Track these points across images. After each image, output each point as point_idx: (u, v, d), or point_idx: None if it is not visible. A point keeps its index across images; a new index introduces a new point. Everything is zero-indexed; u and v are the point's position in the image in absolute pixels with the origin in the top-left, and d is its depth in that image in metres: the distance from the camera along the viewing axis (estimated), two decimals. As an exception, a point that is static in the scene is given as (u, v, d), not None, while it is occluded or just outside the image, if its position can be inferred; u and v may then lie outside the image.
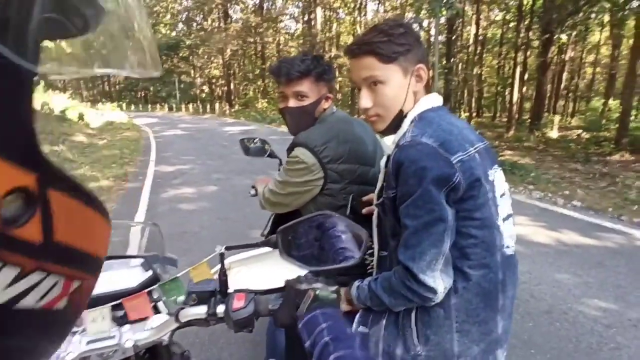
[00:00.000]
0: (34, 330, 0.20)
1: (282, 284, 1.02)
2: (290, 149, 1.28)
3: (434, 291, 0.84)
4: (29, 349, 0.21)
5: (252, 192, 1.64)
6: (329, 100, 1.34)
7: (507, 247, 0.92)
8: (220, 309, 0.81)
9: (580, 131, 13.81)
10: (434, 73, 10.05)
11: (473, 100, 24.16)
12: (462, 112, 18.22)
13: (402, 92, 0.93)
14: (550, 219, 4.54)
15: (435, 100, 0.97)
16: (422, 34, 24.30)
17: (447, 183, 0.82)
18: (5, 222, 0.18)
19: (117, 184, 6.23)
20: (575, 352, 2.16)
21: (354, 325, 1.03)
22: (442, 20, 14.73)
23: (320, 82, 1.29)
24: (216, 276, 0.86)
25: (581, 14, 13.31)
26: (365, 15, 24.80)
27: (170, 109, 33.58)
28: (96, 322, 0.83)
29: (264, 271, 1.37)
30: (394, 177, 0.88)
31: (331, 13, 27.74)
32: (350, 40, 25.69)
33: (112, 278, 1.00)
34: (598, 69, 25.84)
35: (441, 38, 16.67)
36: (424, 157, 0.83)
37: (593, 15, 14.57)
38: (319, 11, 22.96)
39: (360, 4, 24.18)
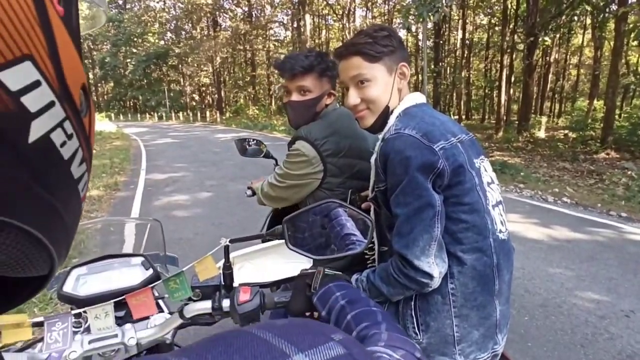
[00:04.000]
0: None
1: (286, 277, 1.03)
2: (291, 143, 1.30)
3: (429, 276, 0.86)
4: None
5: (249, 192, 1.64)
6: (331, 96, 1.36)
7: (500, 231, 0.95)
8: (226, 303, 0.81)
9: (566, 131, 14.06)
10: (423, 77, 10.17)
11: (462, 102, 24.44)
12: (451, 115, 18.41)
13: (388, 89, 0.99)
14: (541, 215, 4.61)
15: (418, 97, 1.03)
16: (410, 39, 24.59)
17: (432, 170, 0.86)
18: (80, 111, 0.23)
19: (108, 193, 6.16)
20: (570, 343, 2.19)
21: None
22: (430, 25, 14.94)
23: (323, 78, 1.31)
24: (220, 270, 0.86)
25: (564, 17, 13.62)
26: (353, 21, 25.04)
27: (160, 118, 33.36)
28: (99, 319, 0.83)
29: (268, 265, 1.37)
30: (382, 169, 0.92)
31: (320, 20, 27.95)
32: (339, 45, 25.91)
33: (113, 276, 1.00)
34: (582, 70, 26.38)
35: (429, 43, 16.90)
36: (408, 146, 0.87)
37: (575, 18, 14.92)
38: (308, 18, 23.12)
39: (349, 10, 24.42)
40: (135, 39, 35.16)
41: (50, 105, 0.20)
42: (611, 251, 3.49)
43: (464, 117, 23.60)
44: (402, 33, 25.83)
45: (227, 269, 0.87)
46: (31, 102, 0.19)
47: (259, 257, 1.41)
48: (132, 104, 42.44)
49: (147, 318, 0.91)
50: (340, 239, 0.86)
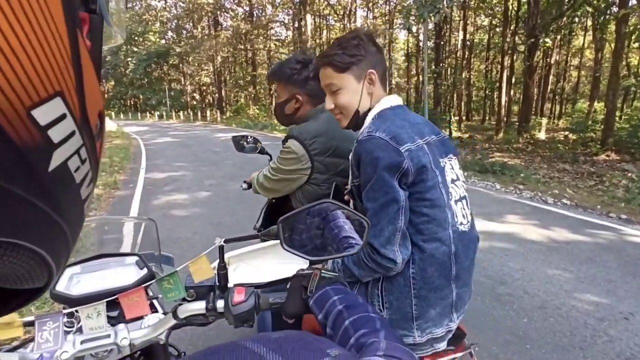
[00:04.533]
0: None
1: (281, 277, 1.02)
2: (284, 140, 1.42)
3: (394, 262, 0.97)
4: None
5: (244, 186, 1.75)
6: (299, 100, 1.46)
7: (461, 224, 1.05)
8: (220, 303, 0.80)
9: (567, 133, 14.05)
10: (424, 77, 10.16)
11: (462, 103, 24.43)
12: (452, 116, 18.39)
13: (357, 95, 1.09)
14: (541, 217, 4.60)
15: (394, 100, 1.12)
16: (411, 39, 24.60)
17: (398, 169, 0.96)
18: (94, 136, 0.24)
19: (107, 192, 6.15)
20: (569, 345, 2.18)
21: None
22: (430, 26, 14.93)
23: (288, 84, 1.44)
24: (215, 271, 0.85)
25: (564, 19, 13.61)
26: (354, 21, 25.02)
27: (161, 117, 33.35)
28: (91, 319, 0.82)
29: (263, 265, 1.36)
30: (356, 167, 1.03)
31: (321, 20, 27.93)
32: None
33: (107, 275, 0.99)
34: (583, 72, 26.37)
35: (430, 44, 16.89)
36: (377, 148, 0.97)
37: (576, 20, 14.91)
38: (309, 18, 23.11)
39: (350, 11, 24.41)
40: (136, 38, 35.14)
41: (71, 135, 0.21)
42: (611, 253, 3.48)
43: (464, 117, 23.57)
44: (403, 34, 25.81)
45: (222, 269, 0.86)
46: (56, 134, 0.20)
47: (255, 257, 1.40)
48: (132, 103, 42.46)
49: (140, 318, 0.90)
50: (338, 241, 0.86)
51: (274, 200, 1.77)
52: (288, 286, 0.78)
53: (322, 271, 0.72)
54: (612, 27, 14.35)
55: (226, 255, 0.97)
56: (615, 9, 11.30)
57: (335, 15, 25.35)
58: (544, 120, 16.17)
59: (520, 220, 4.49)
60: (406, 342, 1.04)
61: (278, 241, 0.81)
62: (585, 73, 26.38)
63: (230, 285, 0.85)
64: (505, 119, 16.12)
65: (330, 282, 0.69)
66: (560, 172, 7.95)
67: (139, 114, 36.83)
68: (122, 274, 0.99)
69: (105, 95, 43.16)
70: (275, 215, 1.89)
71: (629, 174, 7.42)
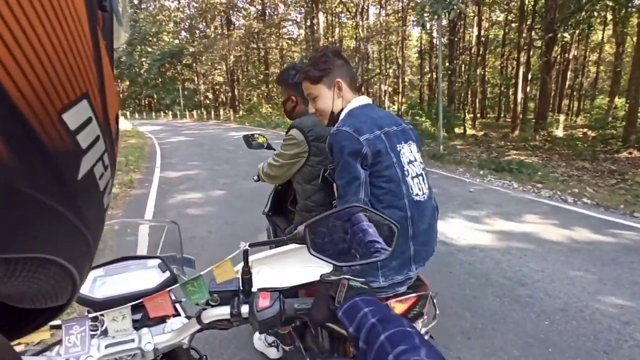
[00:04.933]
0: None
1: (305, 282, 1.00)
2: (287, 130, 1.76)
3: None
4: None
5: (255, 177, 2.01)
6: (294, 100, 1.84)
7: (416, 195, 1.33)
8: (245, 309, 0.79)
9: (586, 130, 13.71)
10: (438, 74, 10.03)
11: (477, 101, 24.07)
12: (465, 114, 18.12)
13: (330, 100, 1.41)
14: (560, 216, 4.49)
15: (362, 100, 1.41)
16: (424, 36, 24.34)
17: (358, 154, 1.26)
18: (114, 141, 0.24)
19: (123, 190, 6.25)
20: (594, 349, 2.12)
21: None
22: (444, 22, 14.72)
23: (286, 86, 1.84)
24: (239, 275, 0.84)
25: (583, 13, 13.25)
26: (367, 19, 24.87)
27: (175, 116, 33.74)
28: (116, 322, 0.82)
29: (286, 269, 1.35)
30: (330, 154, 1.33)
31: (333, 18, 27.83)
32: (352, 44, 25.71)
33: (129, 279, 0.99)
34: (602, 68, 25.68)
35: (444, 40, 16.66)
36: (343, 139, 1.27)
37: (595, 14, 14.51)
38: (321, 16, 23.05)
39: (362, 8, 24.25)
40: (150, 38, 35.59)
41: (97, 139, 0.20)
42: (635, 254, 3.37)
43: (479, 115, 23.22)
44: (417, 31, 25.52)
45: (246, 274, 0.85)
46: (83, 139, 0.19)
47: (277, 260, 1.39)
48: (147, 103, 43.05)
49: (163, 322, 0.90)
50: (364, 245, 0.84)
51: (279, 187, 2.14)
52: (315, 293, 0.77)
53: (350, 281, 0.70)
54: (634, 20, 13.93)
55: (250, 259, 0.97)
56: (637, 1, 10.94)
57: (348, 13, 25.23)
58: (562, 117, 15.81)
59: (539, 219, 4.40)
60: (372, 286, 1.27)
61: (300, 245, 0.80)
62: (605, 68, 25.69)
63: (254, 289, 0.84)
64: (521, 116, 15.80)
65: (359, 293, 0.67)
66: (580, 170, 7.76)
67: (154, 114, 37.35)
68: (145, 277, 0.99)
69: (121, 95, 43.95)
70: (282, 199, 2.19)
71: (653, 172, 7.19)
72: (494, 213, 4.64)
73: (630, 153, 9.28)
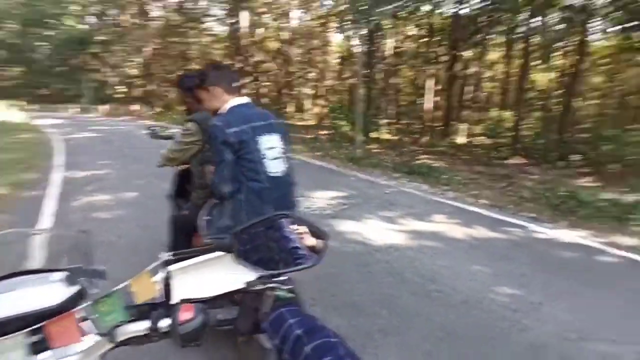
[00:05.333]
0: None
1: (230, 290, 0.97)
2: (185, 123, 2.22)
3: (224, 192, 1.80)
4: None
5: (159, 163, 2.32)
6: (188, 102, 2.35)
7: (273, 171, 1.81)
8: (165, 322, 0.74)
9: (482, 138, 15.45)
10: (358, 81, 10.49)
11: (392, 108, 25.62)
12: (381, 120, 19.21)
13: (211, 101, 1.90)
14: (463, 216, 5.00)
15: (240, 100, 1.86)
16: (346, 43, 25.26)
17: (225, 143, 1.72)
18: None
19: (13, 192, 5.44)
20: (491, 338, 2.39)
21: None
22: (364, 31, 15.44)
23: (182, 90, 2.37)
24: (158, 287, 0.79)
25: (480, 35, 14.96)
26: (291, 22, 24.98)
27: (82, 109, 30.27)
28: (4, 355, 0.69)
29: (209, 277, 1.29)
30: (208, 142, 1.87)
31: (257, 17, 27.41)
32: (275, 45, 25.61)
33: (27, 296, 0.86)
34: (495, 84, 29.14)
35: (363, 49, 17.43)
36: (215, 131, 1.74)
37: (491, 36, 16.47)
38: (245, 15, 22.60)
39: (286, 11, 24.30)
40: (50, 20, 31.45)
41: None
42: (522, 249, 3.89)
43: (392, 121, 24.75)
44: (339, 37, 26.41)
45: (167, 285, 0.80)
46: None
47: (199, 268, 1.32)
48: (47, 93, 37.88)
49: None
50: (287, 252, 0.84)
51: (181, 172, 2.62)
52: (240, 303, 0.75)
53: (276, 291, 0.70)
54: (520, 45, 16.08)
55: (169, 268, 0.91)
56: (522, 29, 12.69)
57: (272, 14, 25.11)
58: (463, 126, 17.59)
59: (446, 219, 4.84)
60: None
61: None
62: (497, 84, 29.20)
63: (175, 301, 0.80)
64: (430, 124, 17.26)
65: (285, 303, 0.67)
66: (478, 174, 8.70)
67: (56, 106, 33.08)
68: (47, 292, 0.87)
69: (11, 82, 38.07)
70: (182, 182, 2.63)
71: (534, 176, 8.38)
72: (407, 214, 4.99)
73: (516, 159, 10.69)
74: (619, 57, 15.64)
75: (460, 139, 15.25)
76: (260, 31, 25.91)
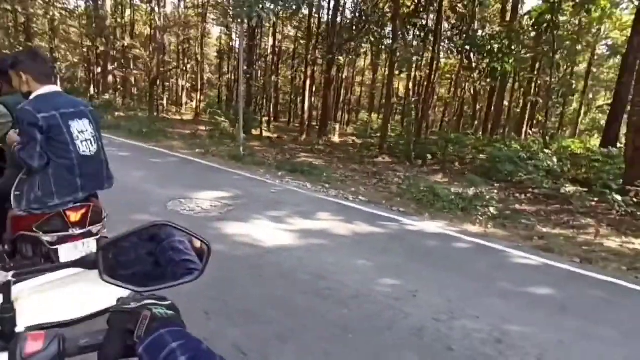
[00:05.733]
0: None
1: (97, 310, 0.81)
2: None
3: (33, 166, 1.92)
4: None
5: None
6: (0, 84, 2.38)
7: (84, 151, 2.04)
8: (4, 357, 0.58)
9: (354, 138, 16.74)
10: (239, 76, 10.22)
11: (271, 105, 25.82)
12: (261, 117, 19.20)
13: (18, 85, 2.01)
14: (345, 213, 5.30)
15: (50, 89, 2.00)
16: (224, 37, 24.39)
17: (35, 125, 1.87)
18: None
19: None
20: (381, 328, 2.58)
21: None
22: (245, 27, 15.11)
23: None
24: None
25: (352, 43, 16.18)
26: (164, 6, 22.84)
27: None
28: None
29: (69, 298, 1.04)
30: (18, 123, 2.00)
31: (124, -3, 24.24)
32: (146, 30, 23.18)
33: None
34: (364, 88, 31.97)
35: (244, 45, 17.06)
36: (24, 114, 1.88)
37: (362, 45, 17.96)
38: (105, -10, 19.74)
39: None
40: None
41: None
42: (397, 241, 4.32)
43: (273, 118, 24.99)
44: (217, 30, 25.33)
45: (7, 312, 0.63)
46: None
47: (56, 287, 1.04)
48: None
49: None
50: (175, 265, 0.72)
51: None
52: (108, 323, 0.62)
53: (154, 310, 0.59)
54: (384, 55, 17.92)
55: (14, 290, 0.70)
56: (389, 41, 14.15)
57: (139, -5, 22.53)
58: (337, 126, 18.79)
59: (330, 217, 5.07)
60: (49, 204, 1.96)
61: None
62: (365, 89, 32.09)
63: (20, 329, 0.63)
64: (307, 123, 17.93)
65: (165, 323, 0.57)
66: (353, 172, 9.37)
67: None
68: None
69: None
70: None
71: (399, 174, 9.43)
72: (294, 213, 5.06)
73: (384, 158, 11.87)
74: (459, 74, 18.75)
75: (335, 139, 16.22)
76: (128, 12, 23.15)
